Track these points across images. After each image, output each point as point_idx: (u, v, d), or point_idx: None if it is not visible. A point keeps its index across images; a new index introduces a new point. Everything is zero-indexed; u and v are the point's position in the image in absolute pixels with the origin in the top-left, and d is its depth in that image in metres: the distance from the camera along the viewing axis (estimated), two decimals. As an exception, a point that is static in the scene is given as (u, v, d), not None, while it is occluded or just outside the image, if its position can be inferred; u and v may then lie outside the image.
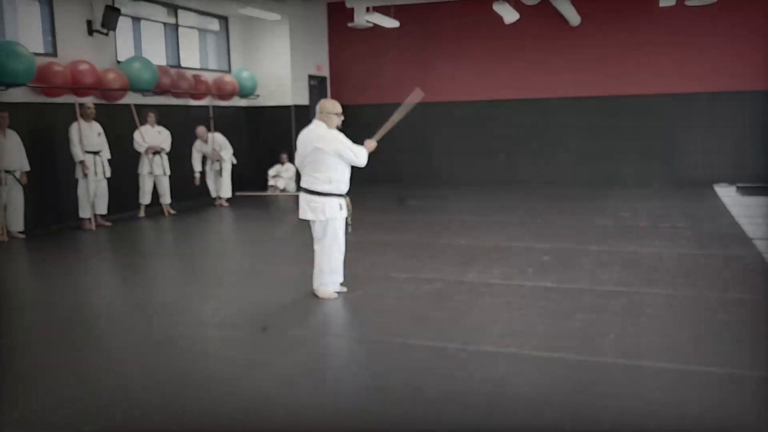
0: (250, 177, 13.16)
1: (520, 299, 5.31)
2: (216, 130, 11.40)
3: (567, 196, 11.30)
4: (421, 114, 13.89)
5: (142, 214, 10.13)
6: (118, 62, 10.21)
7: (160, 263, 7.39)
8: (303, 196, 5.30)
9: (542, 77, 13.18)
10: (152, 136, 10.12)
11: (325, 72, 14.55)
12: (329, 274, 5.36)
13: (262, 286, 5.90)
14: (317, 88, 14.32)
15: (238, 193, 12.13)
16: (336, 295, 5.40)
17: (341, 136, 5.20)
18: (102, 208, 9.29)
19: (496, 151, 13.66)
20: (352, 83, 14.53)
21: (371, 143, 5.32)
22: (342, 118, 5.32)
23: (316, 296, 5.39)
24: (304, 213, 5.30)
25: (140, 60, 10.25)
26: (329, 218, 5.24)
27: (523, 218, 9.11)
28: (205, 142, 11.07)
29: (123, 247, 8.28)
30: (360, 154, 5.19)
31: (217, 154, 11.14)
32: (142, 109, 10.18)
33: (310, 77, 13.91)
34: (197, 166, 11.03)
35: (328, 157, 5.12)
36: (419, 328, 4.65)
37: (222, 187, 11.29)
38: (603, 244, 7.27)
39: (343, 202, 5.32)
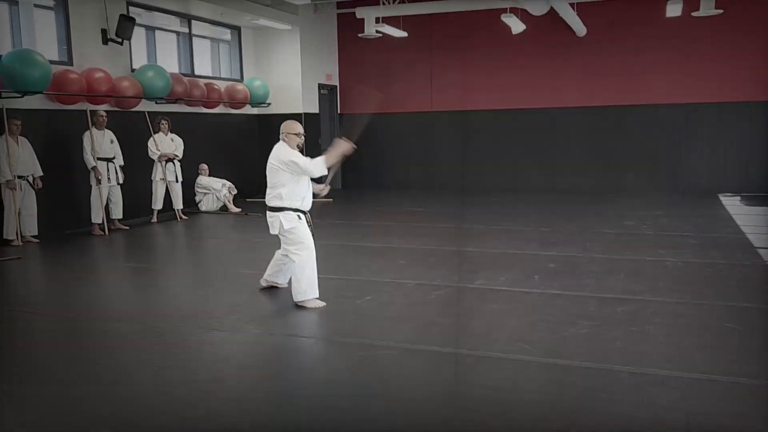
0: (261, 183, 13.18)
1: (527, 306, 5.29)
2: (228, 137, 11.40)
3: (573, 204, 11.27)
4: (428, 123, 14.03)
5: (154, 219, 10.18)
6: (133, 70, 10.28)
7: (172, 267, 7.41)
8: (267, 212, 5.47)
9: (549, 87, 13.18)
10: (165, 144, 10.19)
11: (335, 81, 14.58)
12: (308, 283, 5.30)
13: (272, 292, 5.89)
14: (327, 97, 14.36)
15: (248, 200, 12.18)
16: (324, 303, 5.34)
17: (296, 154, 5.32)
18: (118, 213, 9.39)
19: (503, 160, 13.66)
20: (361, 92, 14.54)
21: (346, 145, 5.29)
22: (302, 139, 5.46)
23: (304, 307, 5.30)
24: (270, 228, 5.46)
25: (154, 68, 10.30)
26: (288, 229, 5.32)
27: (529, 226, 9.08)
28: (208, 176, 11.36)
29: (135, 251, 8.30)
30: (313, 167, 5.23)
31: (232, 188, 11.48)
32: (156, 117, 10.26)
33: (320, 86, 13.94)
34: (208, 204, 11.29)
35: (280, 174, 5.31)
36: (427, 334, 4.63)
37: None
38: (609, 251, 7.23)
39: (299, 214, 5.38)
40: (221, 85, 12.14)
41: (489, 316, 5.03)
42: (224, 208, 11.30)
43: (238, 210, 11.18)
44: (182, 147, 10.38)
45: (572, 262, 6.77)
